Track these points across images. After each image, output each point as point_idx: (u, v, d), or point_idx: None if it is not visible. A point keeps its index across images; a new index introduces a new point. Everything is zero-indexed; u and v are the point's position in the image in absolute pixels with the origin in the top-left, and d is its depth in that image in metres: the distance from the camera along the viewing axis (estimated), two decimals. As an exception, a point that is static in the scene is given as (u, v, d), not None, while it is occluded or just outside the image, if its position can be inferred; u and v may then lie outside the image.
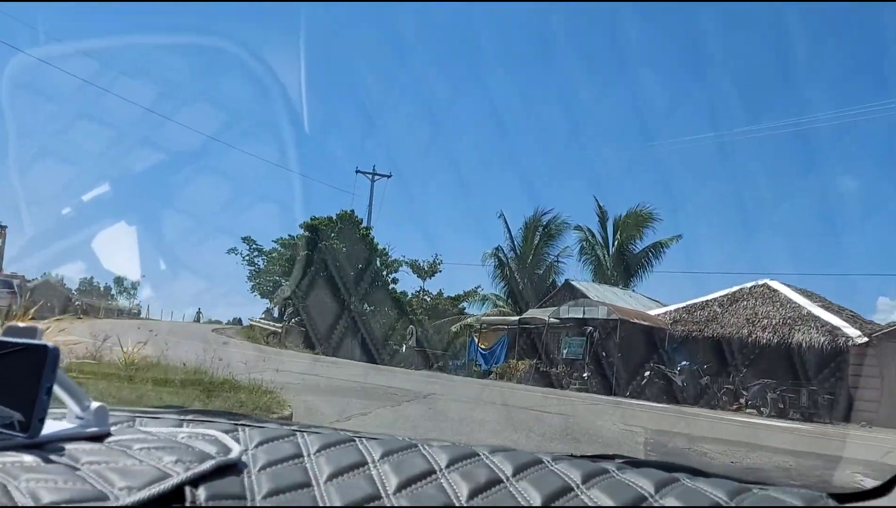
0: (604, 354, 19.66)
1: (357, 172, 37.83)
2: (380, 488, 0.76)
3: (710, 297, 20.10)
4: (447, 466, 0.80)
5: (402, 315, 30.82)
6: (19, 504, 0.64)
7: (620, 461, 0.88)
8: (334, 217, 31.41)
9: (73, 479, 0.70)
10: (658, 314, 20.66)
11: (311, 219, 31.12)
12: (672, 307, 20.79)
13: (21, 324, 0.85)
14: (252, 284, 35.04)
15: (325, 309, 28.84)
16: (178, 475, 0.72)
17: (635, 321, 19.75)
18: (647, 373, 18.02)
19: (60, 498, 0.65)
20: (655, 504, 0.74)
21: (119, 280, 45.50)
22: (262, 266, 35.06)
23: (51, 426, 0.81)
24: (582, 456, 0.90)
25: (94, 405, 0.88)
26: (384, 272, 32.40)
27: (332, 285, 29.26)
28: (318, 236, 30.69)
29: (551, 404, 13.08)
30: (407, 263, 33.71)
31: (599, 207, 28.82)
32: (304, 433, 0.90)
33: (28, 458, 0.74)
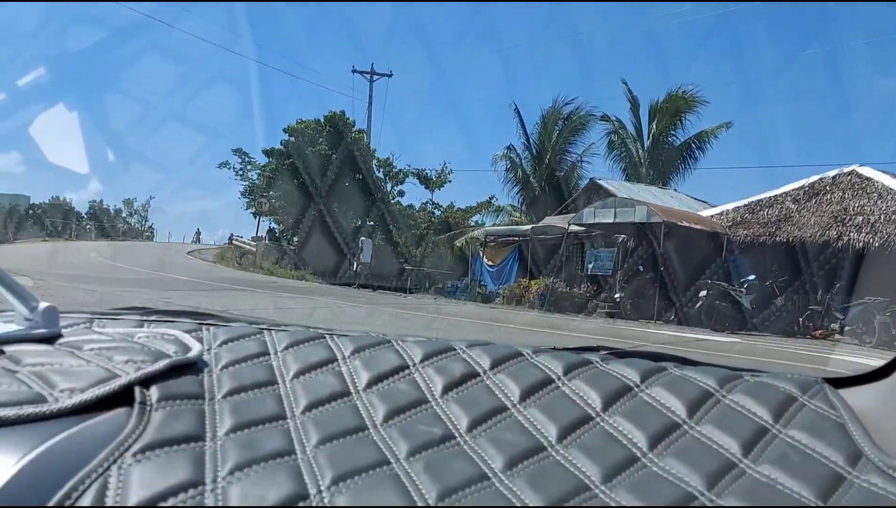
0: (641, 268, 15.20)
1: (354, 71, 33.32)
2: (349, 384, 0.75)
3: (779, 191, 15.27)
4: (421, 361, 0.79)
5: (406, 230, 27.07)
6: None
7: (605, 352, 0.86)
8: (322, 120, 27.17)
9: (9, 381, 0.67)
10: (712, 216, 16.03)
11: (297, 122, 26.98)
12: (730, 206, 15.91)
13: None
14: (247, 201, 31.37)
15: (310, 225, 25.14)
16: (127, 374, 0.69)
17: (684, 223, 14.94)
18: (701, 292, 13.27)
19: None
20: (641, 393, 0.72)
21: (129, 202, 42.95)
22: (255, 180, 31.37)
23: None
24: (565, 349, 0.88)
25: (43, 305, 0.86)
26: (388, 184, 28.48)
27: (319, 197, 25.37)
28: (303, 141, 26.67)
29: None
30: (413, 172, 29.67)
31: (629, 91, 23.73)
32: (272, 331, 0.89)
33: None
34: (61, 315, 0.87)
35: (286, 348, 0.82)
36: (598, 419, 0.68)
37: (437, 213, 29.70)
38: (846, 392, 0.71)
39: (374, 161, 28.26)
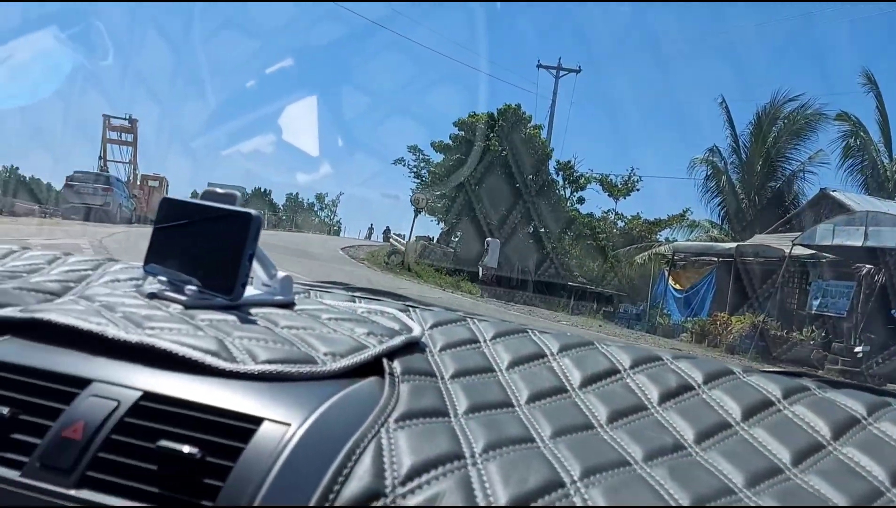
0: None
1: (539, 66, 30.72)
2: (563, 381, 0.78)
3: None
4: (631, 367, 0.81)
5: (581, 240, 23.92)
6: (237, 359, 0.69)
7: (817, 380, 0.84)
8: (495, 113, 24.77)
9: (280, 340, 0.74)
10: None
11: (469, 116, 24.84)
12: None
13: (219, 190, 0.89)
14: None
15: (473, 227, 22.83)
16: (374, 346, 0.76)
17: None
18: None
19: (275, 357, 0.70)
20: (785, 410, 0.73)
21: (320, 197, 44.13)
22: (426, 178, 29.88)
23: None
24: (777, 372, 0.88)
25: (281, 274, 0.93)
26: (567, 189, 25.53)
27: (484, 197, 22.97)
28: (473, 136, 24.43)
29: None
30: (595, 178, 26.44)
31: (874, 84, 18.45)
32: (475, 320, 0.93)
33: (232, 318, 0.80)
34: None
35: (494, 338, 0.87)
36: (737, 428, 0.70)
37: (621, 224, 26.32)
38: None
39: (554, 163, 25.38)
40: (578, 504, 0.55)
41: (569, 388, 0.76)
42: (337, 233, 40.59)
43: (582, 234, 24.61)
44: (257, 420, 0.61)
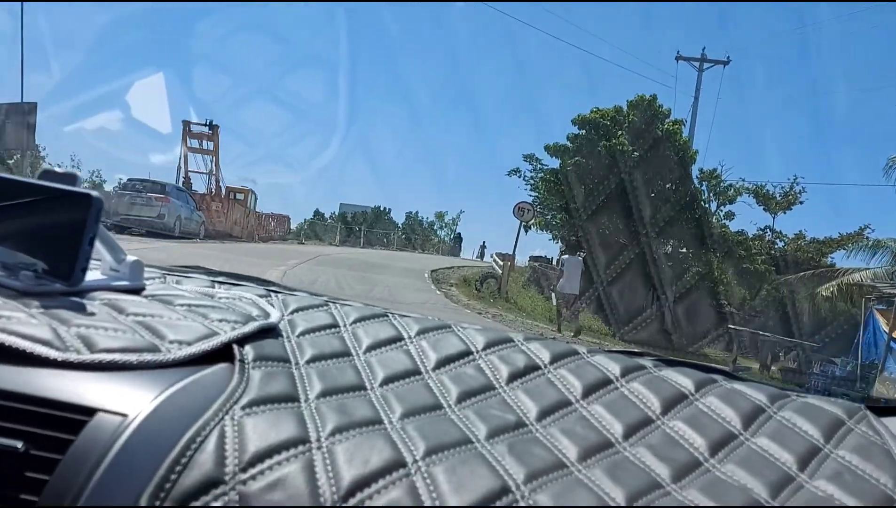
0: None
1: (678, 58, 25.86)
2: (419, 363, 0.79)
3: None
4: (484, 349, 0.82)
5: (735, 264, 18.98)
6: (70, 348, 0.66)
7: (654, 359, 0.88)
8: (625, 106, 20.37)
9: (123, 328, 0.72)
10: None
11: (592, 112, 20.55)
12: None
13: (59, 169, 0.84)
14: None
15: (594, 246, 18.52)
16: (226, 333, 0.75)
17: None
18: None
19: (114, 346, 0.68)
20: (697, 402, 0.75)
21: (440, 215, 42.26)
22: (541, 190, 25.88)
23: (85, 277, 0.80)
24: (618, 351, 0.90)
25: (130, 258, 0.90)
26: (713, 201, 20.71)
27: (610, 208, 18.56)
28: (596, 136, 20.13)
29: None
30: (747, 189, 21.41)
31: None
32: (337, 304, 0.94)
33: (72, 304, 0.76)
34: None
35: (354, 322, 0.87)
36: (658, 422, 0.72)
37: (780, 244, 21.03)
38: (889, 420, 0.75)
39: (696, 170, 20.59)
40: (419, 483, 0.56)
41: (422, 370, 0.78)
42: (456, 253, 38.14)
43: (735, 256, 19.61)
44: (90, 412, 0.60)
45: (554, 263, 21.33)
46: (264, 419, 0.61)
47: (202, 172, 23.32)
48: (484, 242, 37.36)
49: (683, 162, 19.70)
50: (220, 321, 0.79)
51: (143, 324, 0.74)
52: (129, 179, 17.60)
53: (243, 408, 0.62)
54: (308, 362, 0.75)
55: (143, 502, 0.53)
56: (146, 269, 0.95)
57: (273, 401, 0.65)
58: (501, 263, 17.64)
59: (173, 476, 0.54)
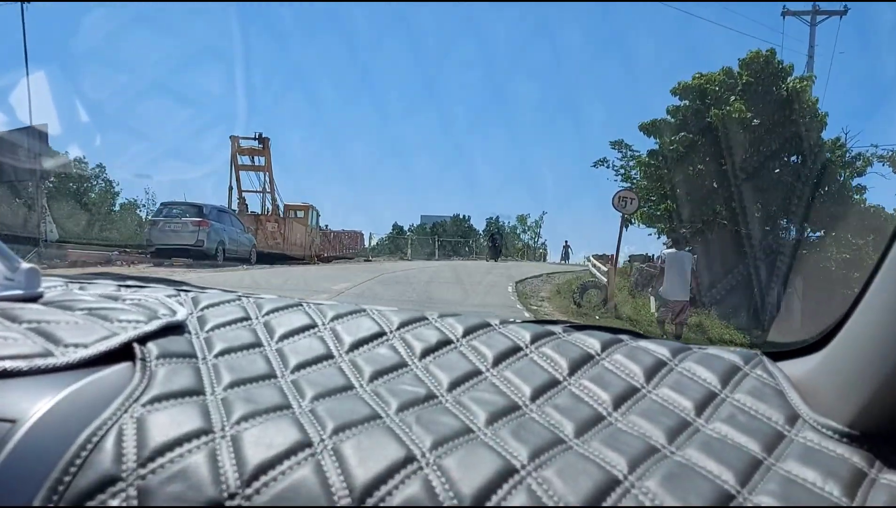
0: None
1: (785, 13, 21.98)
2: (332, 348, 0.79)
3: None
4: (398, 328, 0.83)
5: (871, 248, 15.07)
6: None
7: (566, 325, 0.90)
8: (737, 67, 16.92)
9: (15, 335, 0.71)
10: None
11: (694, 77, 17.21)
12: None
13: None
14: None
15: (720, 238, 15.21)
16: (126, 332, 0.74)
17: None
18: None
19: (5, 354, 0.66)
20: (603, 360, 0.77)
21: (522, 218, 39.09)
22: (637, 178, 22.54)
23: None
24: (531, 321, 0.90)
25: (25, 265, 0.88)
26: (841, 173, 16.92)
27: (728, 188, 15.14)
28: (706, 104, 16.74)
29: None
30: (882, 157, 17.55)
31: None
32: (249, 298, 0.92)
33: None
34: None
35: (266, 313, 0.86)
36: (565, 383, 0.74)
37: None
38: (783, 364, 0.78)
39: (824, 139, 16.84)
40: (325, 460, 0.57)
41: (336, 354, 0.78)
42: (543, 257, 35.48)
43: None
44: None
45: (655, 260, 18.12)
46: (166, 414, 0.61)
47: (256, 191, 21.26)
48: (567, 242, 34.23)
49: (812, 126, 16.03)
50: (122, 321, 0.77)
51: (37, 330, 0.73)
52: (162, 204, 15.63)
53: (144, 405, 0.62)
54: (217, 355, 0.75)
55: (36, 502, 0.53)
56: (47, 277, 0.95)
57: (177, 396, 0.64)
58: (602, 267, 14.41)
59: (67, 478, 0.54)
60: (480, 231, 39.77)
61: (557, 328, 0.86)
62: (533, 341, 0.81)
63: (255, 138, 20.50)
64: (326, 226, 27.04)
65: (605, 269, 13.66)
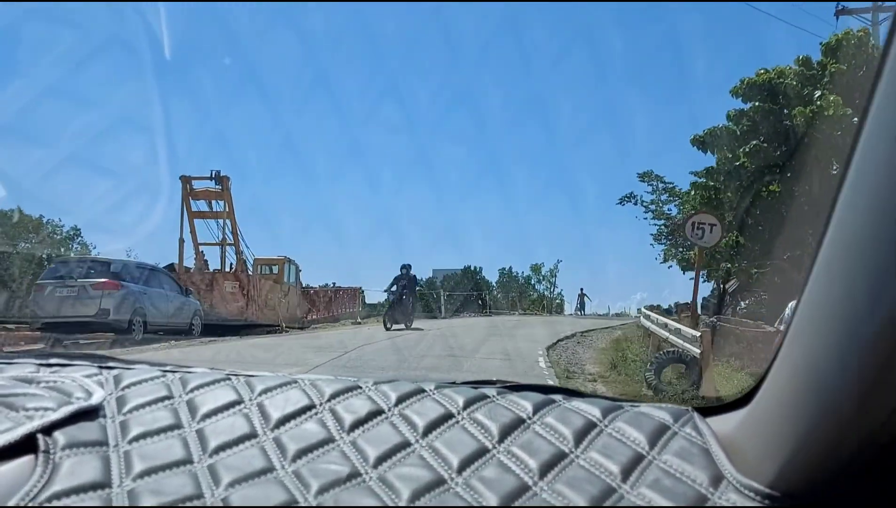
0: None
1: (839, 13, 18.33)
2: (257, 425, 0.76)
3: None
4: (328, 400, 0.81)
5: None
6: None
7: (500, 386, 0.87)
8: (814, 58, 13.18)
9: None
10: None
11: (759, 73, 13.48)
12: None
13: None
14: (663, 248, 18.77)
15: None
16: (31, 422, 0.71)
17: None
18: None
19: None
20: (534, 425, 0.76)
21: (536, 268, 35.15)
22: (674, 214, 18.82)
23: None
24: (464, 383, 0.90)
25: None
26: None
27: (818, 213, 10.78)
28: (778, 105, 12.92)
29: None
30: None
31: None
32: (175, 374, 0.89)
33: None
34: None
35: (190, 391, 0.83)
36: (494, 451, 0.72)
37: None
38: (713, 420, 0.76)
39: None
40: None
41: (260, 432, 0.75)
42: (560, 310, 32.36)
43: None
44: None
45: (784, 317, 13.92)
46: None
47: (214, 244, 17.25)
48: (582, 289, 29.47)
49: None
50: (29, 410, 0.74)
51: None
52: (55, 262, 11.57)
53: (43, 502, 0.60)
54: (131, 440, 0.72)
55: None
56: None
57: (79, 491, 0.62)
58: (670, 322, 10.06)
59: None
60: (493, 283, 35.89)
61: (492, 391, 0.83)
62: (465, 406, 0.79)
63: (211, 178, 16.60)
64: (328, 284, 23.18)
65: (673, 326, 9.38)
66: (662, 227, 19.17)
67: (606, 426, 0.75)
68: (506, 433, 0.74)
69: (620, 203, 19.95)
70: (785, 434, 0.61)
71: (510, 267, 35.91)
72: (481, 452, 0.71)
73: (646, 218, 19.35)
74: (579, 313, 27.12)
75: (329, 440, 0.74)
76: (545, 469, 0.68)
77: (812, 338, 0.56)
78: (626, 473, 0.67)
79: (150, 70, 23.97)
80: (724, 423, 0.74)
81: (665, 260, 18.38)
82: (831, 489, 0.60)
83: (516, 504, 0.63)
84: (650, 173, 19.34)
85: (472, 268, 34.80)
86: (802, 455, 0.59)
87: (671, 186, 18.85)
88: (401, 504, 0.63)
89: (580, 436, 0.73)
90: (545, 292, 35.12)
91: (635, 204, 19.49)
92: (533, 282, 35.71)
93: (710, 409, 0.78)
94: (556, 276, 34.25)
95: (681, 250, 16.78)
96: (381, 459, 0.70)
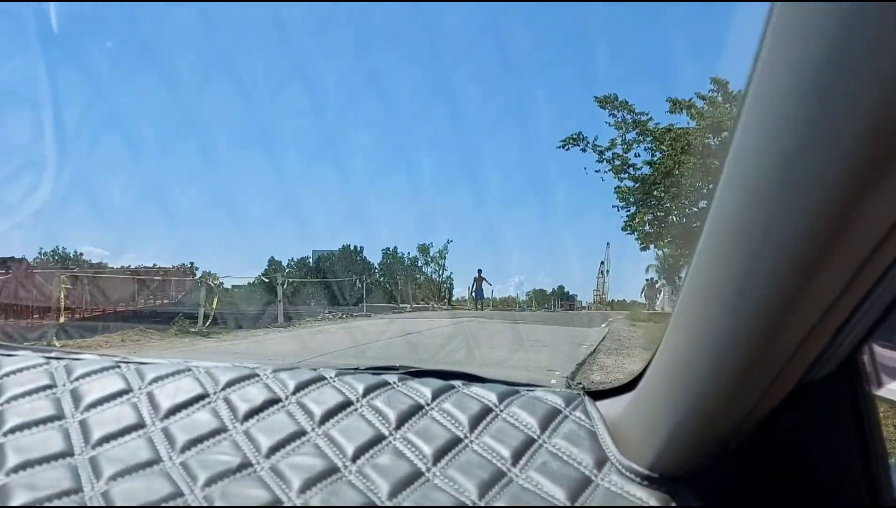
0: None
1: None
2: (145, 415, 0.74)
3: None
4: (223, 388, 0.78)
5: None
6: None
7: (402, 372, 0.87)
8: None
9: None
10: None
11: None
12: None
13: None
14: (626, 216, 14.78)
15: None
16: None
17: None
18: None
19: None
20: (432, 411, 0.76)
21: (424, 248, 30.19)
22: (646, 171, 14.50)
23: None
24: (367, 369, 0.88)
25: None
26: None
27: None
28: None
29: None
30: None
31: None
32: (59, 361, 0.85)
33: None
34: None
35: (76, 379, 0.80)
36: (391, 438, 0.72)
37: None
38: (602, 404, 0.77)
39: None
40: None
41: (148, 422, 0.73)
42: (449, 294, 27.68)
43: None
44: None
45: None
46: None
47: None
48: (480, 271, 20.81)
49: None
50: None
51: None
52: None
53: None
54: (6, 433, 0.69)
55: None
56: None
57: None
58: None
59: None
60: (376, 264, 30.11)
61: (393, 377, 0.82)
62: (365, 393, 0.78)
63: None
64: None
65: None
66: (628, 182, 14.46)
67: (502, 410, 0.76)
68: (403, 419, 0.74)
69: (564, 146, 14.84)
70: (663, 419, 0.62)
71: (395, 247, 30.64)
72: (377, 439, 0.71)
73: (599, 171, 14.67)
74: (477, 302, 20.67)
75: (221, 430, 0.72)
76: (439, 455, 0.69)
77: (690, 328, 0.57)
78: (517, 457, 0.69)
79: (37, 42, 21.95)
80: (612, 407, 0.75)
81: (632, 230, 14.54)
82: (704, 471, 0.63)
83: (407, 490, 0.64)
84: (613, 98, 14.09)
85: (353, 248, 29.34)
86: (679, 439, 0.61)
87: (643, 117, 13.84)
88: (291, 494, 0.62)
89: (476, 421, 0.74)
90: (434, 276, 29.87)
91: (584, 150, 14.53)
92: (420, 264, 30.47)
93: (602, 393, 0.80)
94: (445, 257, 29.56)
95: (650, 217, 13.50)
96: (274, 449, 0.69)
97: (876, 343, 0.64)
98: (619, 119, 13.86)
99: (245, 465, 0.66)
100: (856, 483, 0.63)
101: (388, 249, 30.86)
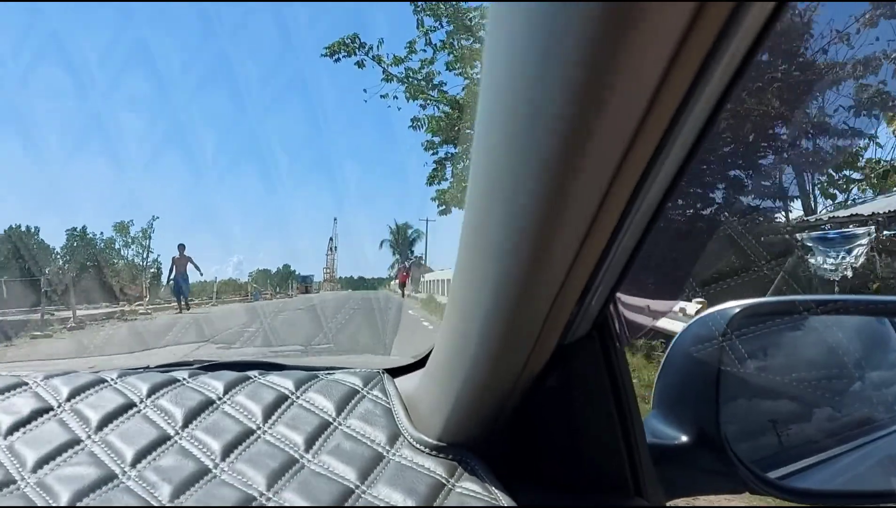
0: None
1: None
2: None
3: None
4: (68, 399, 0.75)
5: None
6: None
7: (195, 367, 0.85)
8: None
9: None
10: None
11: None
12: None
13: None
14: (434, 159, 12.57)
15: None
16: None
17: None
18: None
19: None
20: (224, 405, 0.74)
21: (122, 227, 26.35)
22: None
23: None
24: (156, 367, 0.86)
25: None
26: None
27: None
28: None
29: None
30: None
31: None
32: None
33: None
34: None
35: None
36: (176, 437, 0.69)
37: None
38: (401, 380, 0.79)
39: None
40: None
41: None
42: (156, 278, 24.74)
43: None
44: None
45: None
46: None
47: None
48: (182, 246, 17.80)
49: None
50: None
51: None
52: None
53: None
54: None
55: None
56: None
57: None
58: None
59: None
60: (58, 249, 25.11)
61: (183, 373, 0.80)
62: (150, 393, 0.75)
63: None
64: None
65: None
66: (445, 107, 10.42)
67: (298, 397, 0.75)
68: (191, 417, 0.72)
69: (330, 55, 10.87)
70: (447, 390, 0.64)
71: (84, 226, 26.74)
72: (161, 440, 0.69)
73: (387, 96, 10.40)
74: (176, 294, 17.40)
75: (76, 441, 0.69)
76: (228, 450, 0.67)
77: (461, 302, 0.58)
78: (310, 442, 0.68)
79: None
80: (409, 382, 0.77)
81: (438, 182, 10.51)
82: (486, 435, 0.67)
83: (191, 489, 0.62)
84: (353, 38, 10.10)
85: (27, 228, 25.51)
86: (460, 408, 0.64)
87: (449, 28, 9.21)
88: (163, 500, 0.61)
89: (270, 411, 0.73)
90: (136, 260, 26.46)
91: (361, 64, 10.20)
92: (118, 246, 26.75)
93: (402, 369, 0.82)
94: (150, 237, 26.57)
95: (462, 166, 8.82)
96: (42, 462, 0.65)
97: (625, 296, 0.70)
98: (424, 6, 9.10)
99: (110, 477, 0.64)
100: (613, 433, 0.70)
101: (75, 229, 26.31)
